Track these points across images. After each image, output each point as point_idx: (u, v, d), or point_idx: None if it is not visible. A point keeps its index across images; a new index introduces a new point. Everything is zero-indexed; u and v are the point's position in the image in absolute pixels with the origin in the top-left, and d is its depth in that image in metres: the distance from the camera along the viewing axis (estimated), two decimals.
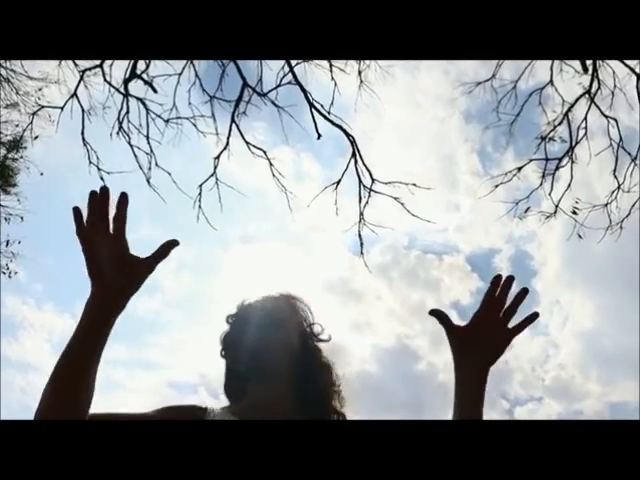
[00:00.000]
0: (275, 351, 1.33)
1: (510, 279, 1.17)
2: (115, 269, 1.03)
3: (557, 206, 6.34)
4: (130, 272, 1.04)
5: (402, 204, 5.87)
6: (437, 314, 1.18)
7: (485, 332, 1.16)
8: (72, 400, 1.00)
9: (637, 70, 5.77)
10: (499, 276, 1.17)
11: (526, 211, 6.42)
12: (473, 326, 1.17)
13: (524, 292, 1.17)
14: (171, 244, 1.05)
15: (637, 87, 5.79)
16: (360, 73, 6.53)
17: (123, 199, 1.04)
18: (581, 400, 11.46)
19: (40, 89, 7.23)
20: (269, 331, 1.35)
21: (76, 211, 1.03)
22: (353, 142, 5.99)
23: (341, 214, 6.33)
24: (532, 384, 11.29)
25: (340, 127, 5.95)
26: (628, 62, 5.77)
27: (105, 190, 1.04)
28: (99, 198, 1.04)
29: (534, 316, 1.17)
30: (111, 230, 1.04)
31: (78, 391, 1.00)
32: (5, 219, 7.83)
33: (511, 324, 1.17)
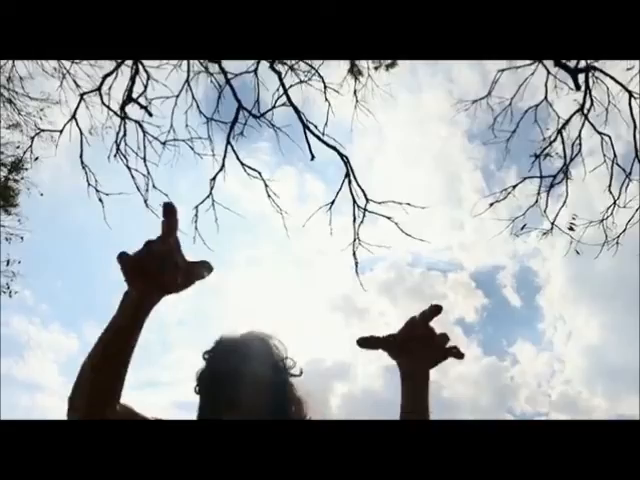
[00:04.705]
0: (247, 386, 1.36)
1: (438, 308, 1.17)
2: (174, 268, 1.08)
3: (553, 223, 6.33)
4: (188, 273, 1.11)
5: (396, 223, 5.89)
6: (367, 343, 1.19)
7: (419, 338, 1.17)
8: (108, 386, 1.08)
9: (629, 87, 5.78)
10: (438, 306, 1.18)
11: (522, 228, 6.41)
12: (406, 328, 1.19)
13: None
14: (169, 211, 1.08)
15: (629, 104, 5.79)
16: (355, 92, 6.60)
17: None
18: (588, 415, 11.33)
19: (42, 109, 7.37)
20: (243, 367, 1.38)
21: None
22: (347, 163, 6.04)
23: (341, 234, 6.37)
24: (538, 400, 11.18)
25: (333, 148, 6.00)
26: (620, 80, 5.79)
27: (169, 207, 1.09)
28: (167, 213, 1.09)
29: (458, 353, 1.18)
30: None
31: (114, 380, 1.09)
32: (6, 239, 7.96)
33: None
